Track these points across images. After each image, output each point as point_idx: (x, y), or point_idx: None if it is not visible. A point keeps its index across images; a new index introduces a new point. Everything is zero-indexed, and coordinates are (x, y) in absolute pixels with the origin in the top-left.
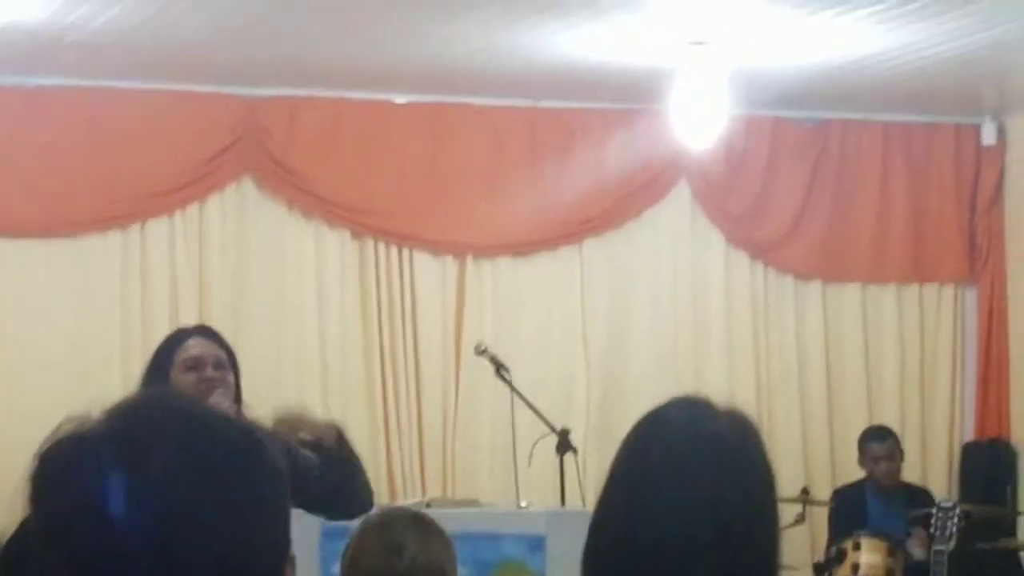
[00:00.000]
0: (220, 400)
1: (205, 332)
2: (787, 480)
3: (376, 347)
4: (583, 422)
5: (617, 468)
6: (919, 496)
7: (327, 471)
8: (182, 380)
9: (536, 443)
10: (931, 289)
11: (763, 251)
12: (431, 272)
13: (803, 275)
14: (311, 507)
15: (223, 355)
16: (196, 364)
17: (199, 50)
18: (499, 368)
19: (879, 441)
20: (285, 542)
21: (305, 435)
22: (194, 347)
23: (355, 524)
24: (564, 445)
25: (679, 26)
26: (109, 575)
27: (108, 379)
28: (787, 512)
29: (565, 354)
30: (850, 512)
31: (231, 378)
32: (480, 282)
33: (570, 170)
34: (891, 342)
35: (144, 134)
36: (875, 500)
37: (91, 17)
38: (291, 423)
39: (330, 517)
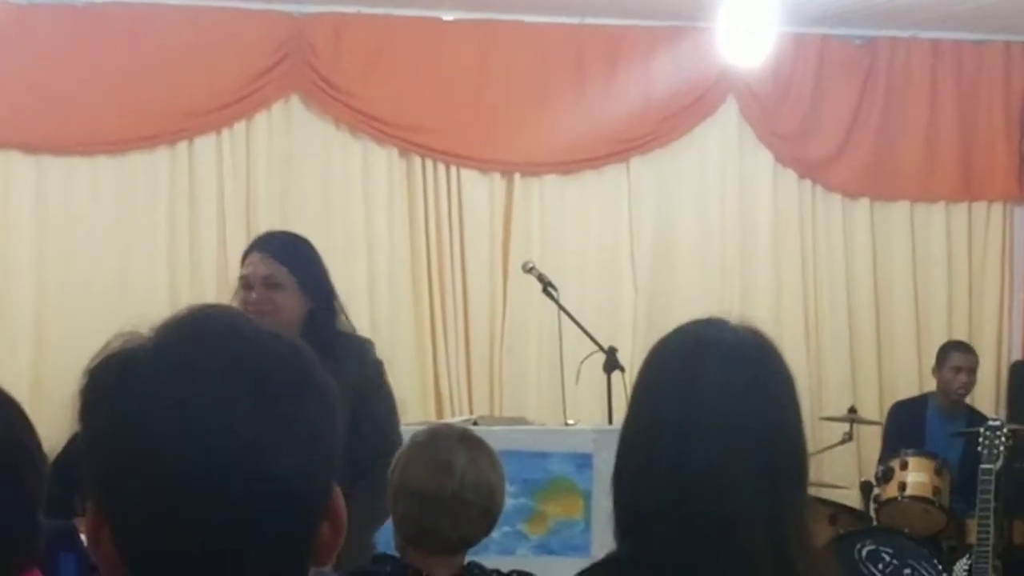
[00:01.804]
0: (269, 323)
1: (263, 245)
2: (834, 399)
3: (424, 265)
4: (630, 340)
5: (636, 386)
6: (980, 421)
7: None
8: (236, 300)
9: (583, 361)
10: (980, 207)
11: (811, 169)
12: (478, 190)
13: (851, 193)
14: None
15: (275, 273)
16: (245, 283)
17: None
18: (546, 286)
19: (964, 352)
20: (334, 460)
21: None
22: (248, 264)
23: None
24: (611, 363)
25: None
26: (156, 491)
27: (155, 297)
28: (834, 431)
29: (612, 272)
30: (908, 428)
31: (282, 296)
32: (527, 200)
33: (617, 88)
34: (939, 261)
35: (191, 52)
36: (936, 418)
37: None
38: None
39: None
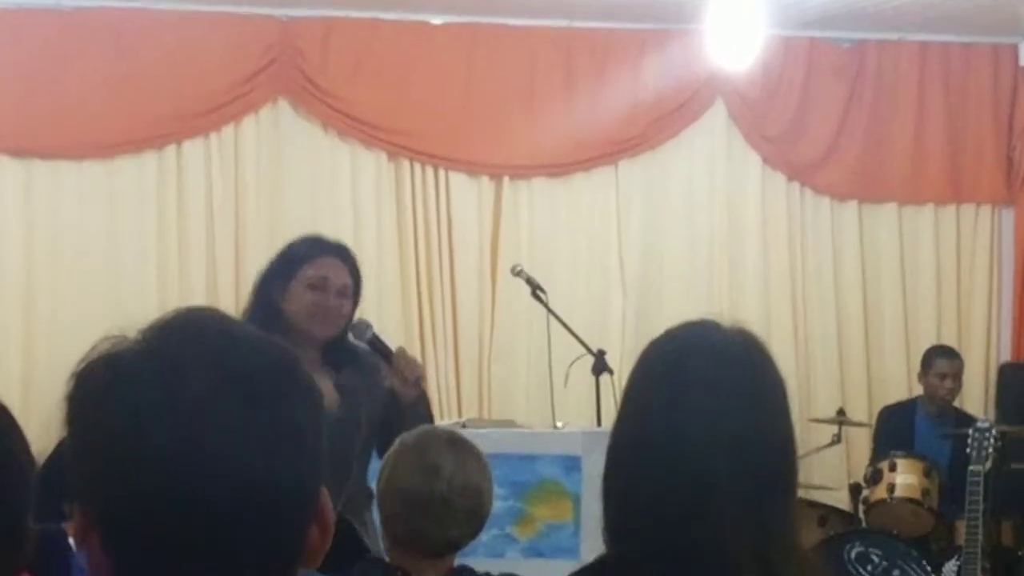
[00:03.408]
0: (326, 330)
1: (341, 253)
2: (823, 401)
3: (412, 268)
4: (619, 343)
5: (626, 389)
6: (969, 423)
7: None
8: (300, 295)
9: (572, 364)
10: (968, 210)
11: (800, 172)
12: (467, 193)
13: (840, 196)
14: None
15: (350, 283)
16: (321, 284)
17: None
18: (535, 289)
19: (948, 358)
20: (321, 464)
21: (398, 381)
22: (325, 267)
23: None
24: (600, 366)
25: None
26: (144, 495)
27: (144, 300)
28: (823, 433)
29: (601, 275)
30: (897, 432)
31: (348, 308)
32: (516, 203)
33: (605, 91)
34: (928, 263)
35: (179, 56)
36: (924, 421)
37: None
38: (411, 364)
39: None
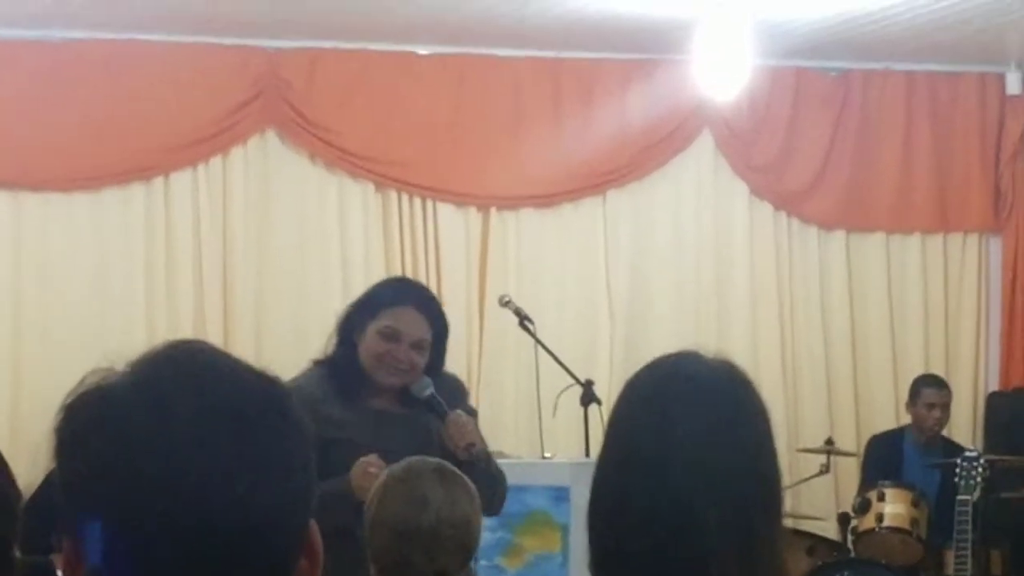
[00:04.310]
0: (391, 380)
1: (424, 305)
2: (811, 431)
3: None
4: (607, 373)
5: (610, 420)
6: (957, 452)
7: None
8: (373, 343)
9: (560, 394)
10: (955, 239)
11: (787, 201)
12: (455, 224)
13: (827, 225)
14: None
15: (427, 338)
16: (393, 336)
17: (221, 3)
18: (523, 320)
19: (936, 387)
20: (310, 497)
21: (450, 444)
22: (401, 318)
23: None
24: (588, 396)
25: None
26: (133, 528)
27: (132, 332)
28: (811, 463)
29: (589, 305)
30: (885, 461)
31: (420, 361)
32: (504, 234)
33: (593, 121)
34: (915, 292)
35: (166, 87)
36: (912, 450)
37: None
38: (461, 431)
39: None
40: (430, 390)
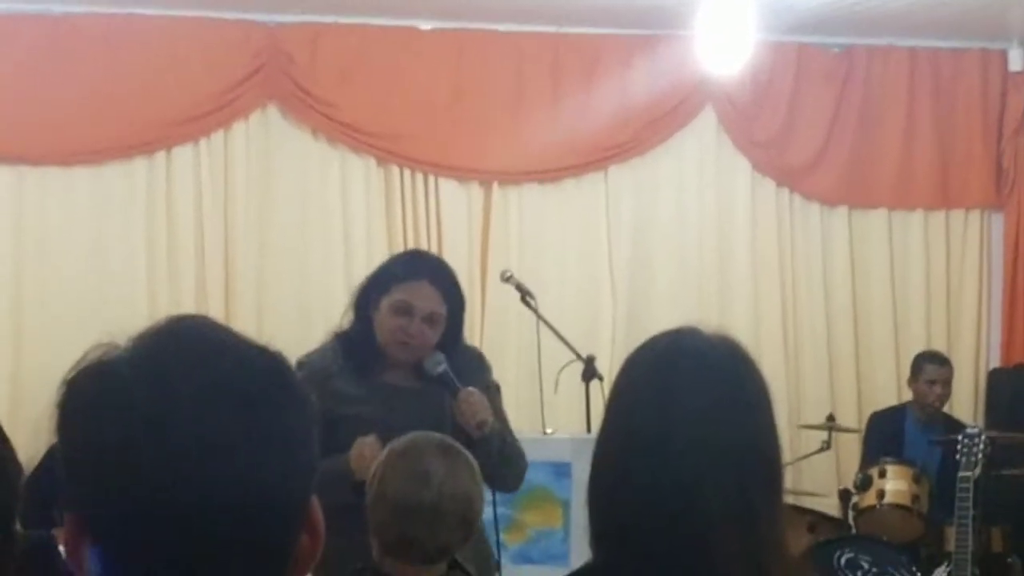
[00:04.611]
0: (405, 355)
1: (437, 277)
2: (813, 407)
3: None
4: (608, 348)
5: (611, 395)
6: (959, 429)
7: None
8: (386, 318)
9: (562, 370)
10: (957, 215)
11: (789, 177)
12: (457, 199)
13: (829, 201)
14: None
15: (441, 312)
16: (406, 310)
17: None
18: (524, 295)
19: (938, 364)
20: (312, 472)
21: (460, 420)
22: (413, 292)
23: None
24: (590, 372)
25: None
26: (135, 504)
27: (134, 308)
28: (813, 439)
29: (591, 281)
30: (886, 437)
31: (433, 335)
32: (506, 209)
33: (594, 96)
34: (917, 268)
35: (167, 62)
36: (914, 427)
37: None
38: (471, 409)
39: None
40: (443, 366)
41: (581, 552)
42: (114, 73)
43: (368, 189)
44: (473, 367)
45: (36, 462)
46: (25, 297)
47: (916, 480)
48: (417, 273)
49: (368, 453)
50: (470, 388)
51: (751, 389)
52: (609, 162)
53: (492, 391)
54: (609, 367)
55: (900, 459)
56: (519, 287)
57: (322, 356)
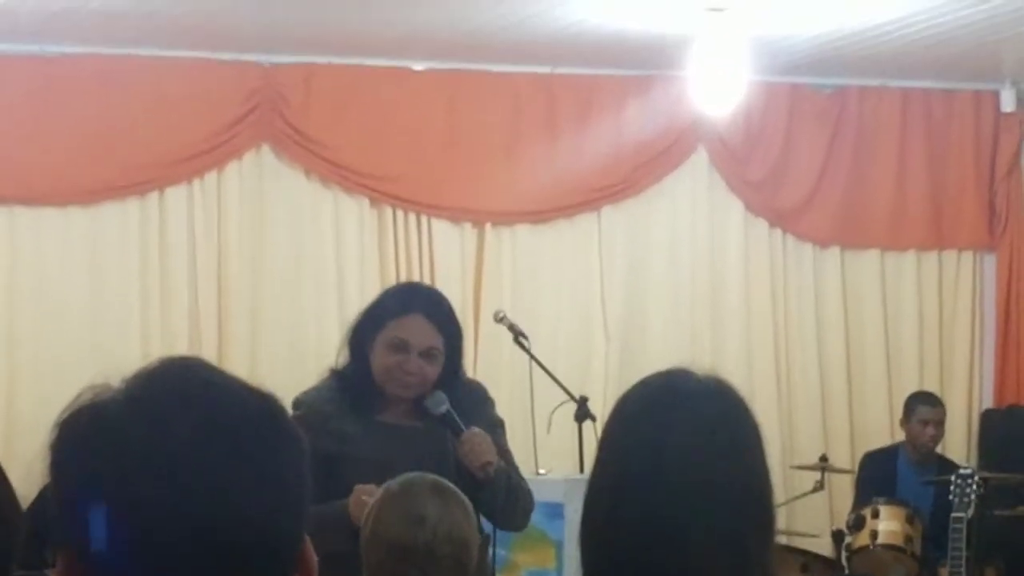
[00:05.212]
0: (403, 392)
1: (430, 310)
2: (806, 448)
3: None
4: (601, 389)
5: (602, 437)
6: (952, 470)
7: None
8: (381, 355)
9: (555, 410)
10: (950, 256)
11: (782, 218)
12: (450, 240)
13: (822, 242)
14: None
15: (437, 345)
16: (401, 347)
17: (216, 18)
18: (517, 336)
19: (931, 404)
20: (305, 511)
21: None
22: (408, 328)
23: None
24: (583, 413)
25: None
26: (128, 545)
27: (127, 347)
28: (806, 479)
29: (583, 321)
30: (880, 478)
31: (431, 370)
32: (499, 250)
33: (588, 137)
34: (910, 309)
35: (161, 102)
36: (907, 468)
37: None
38: (475, 451)
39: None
40: (445, 406)
41: None
42: (108, 114)
43: (361, 229)
44: (477, 403)
45: (28, 502)
46: (19, 337)
47: (909, 520)
48: (410, 307)
49: (369, 501)
50: (474, 428)
51: (743, 431)
52: (602, 202)
53: (496, 428)
54: (602, 407)
55: (893, 500)
56: (512, 328)
57: (319, 394)
